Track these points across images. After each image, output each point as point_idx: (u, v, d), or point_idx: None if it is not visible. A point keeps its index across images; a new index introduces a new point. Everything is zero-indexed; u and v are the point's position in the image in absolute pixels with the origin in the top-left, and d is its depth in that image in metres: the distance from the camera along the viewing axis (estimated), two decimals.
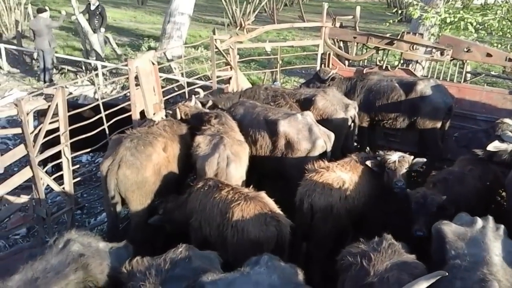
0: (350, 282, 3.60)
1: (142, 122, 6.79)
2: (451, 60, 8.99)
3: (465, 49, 8.53)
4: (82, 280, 3.76)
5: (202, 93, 7.69)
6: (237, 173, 5.56)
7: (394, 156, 5.38)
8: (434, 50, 8.75)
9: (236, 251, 4.46)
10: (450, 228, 3.90)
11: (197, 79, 10.55)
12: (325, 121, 6.81)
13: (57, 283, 3.60)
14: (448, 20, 10.22)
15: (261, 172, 6.44)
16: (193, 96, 7.21)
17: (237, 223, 4.50)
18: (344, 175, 5.30)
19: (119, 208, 5.66)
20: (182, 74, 10.85)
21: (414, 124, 7.63)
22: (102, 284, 3.88)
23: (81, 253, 3.85)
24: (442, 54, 8.65)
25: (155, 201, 5.73)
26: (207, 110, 6.81)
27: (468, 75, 10.20)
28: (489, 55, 8.41)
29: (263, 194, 4.83)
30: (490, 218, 4.02)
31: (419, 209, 4.91)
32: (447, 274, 3.24)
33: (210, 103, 7.59)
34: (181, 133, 6.22)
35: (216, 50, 8.66)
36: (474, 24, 10.16)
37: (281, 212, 4.71)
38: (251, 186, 5.14)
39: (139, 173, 5.41)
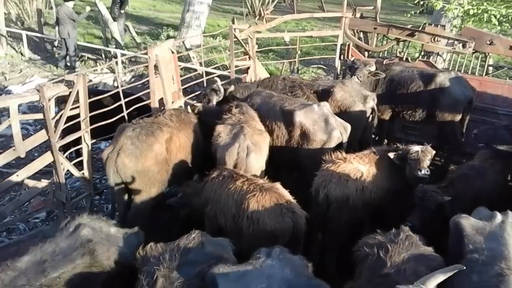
0: (367, 273, 3.59)
1: (161, 110, 6.85)
2: (473, 53, 8.83)
3: (488, 42, 8.35)
4: (89, 265, 3.82)
5: (219, 81, 7.72)
6: (256, 163, 5.55)
7: (417, 147, 5.37)
8: (456, 42, 8.59)
9: (251, 242, 4.45)
10: (468, 222, 3.86)
11: (215, 68, 10.57)
12: (343, 113, 6.76)
13: (64, 266, 3.67)
14: (471, 12, 10.02)
15: (277, 163, 6.42)
16: (206, 95, 7.26)
17: (252, 214, 4.50)
18: (361, 167, 5.27)
19: (126, 196, 5.72)
20: (200, 63, 10.84)
21: (433, 116, 7.53)
22: (109, 270, 3.91)
23: (89, 239, 3.90)
24: (464, 46, 8.50)
25: (161, 190, 5.75)
26: (222, 106, 6.85)
27: (490, 68, 10.02)
28: None
29: (278, 185, 4.82)
30: (510, 213, 3.95)
31: (417, 203, 4.98)
32: (464, 268, 3.21)
33: (232, 88, 7.70)
34: (189, 123, 6.21)
35: (235, 39, 8.65)
36: (498, 16, 9.96)
37: (296, 204, 4.71)
38: (266, 177, 5.15)
39: (138, 162, 5.41)
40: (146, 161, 5.46)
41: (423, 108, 7.58)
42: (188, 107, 6.65)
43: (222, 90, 7.48)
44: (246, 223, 4.55)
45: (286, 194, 4.74)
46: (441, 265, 3.50)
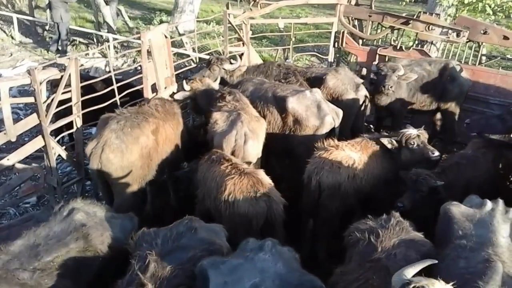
0: (357, 257, 3.62)
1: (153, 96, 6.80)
2: (466, 42, 8.84)
3: (482, 31, 8.35)
4: (82, 249, 3.82)
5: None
6: (254, 150, 5.54)
7: (412, 130, 5.41)
8: (450, 31, 8.59)
9: (228, 225, 4.44)
10: (458, 209, 3.90)
11: (208, 54, 10.47)
12: (335, 101, 6.77)
13: (57, 250, 3.67)
14: (465, 1, 10.03)
15: (269, 149, 6.38)
16: (219, 59, 7.26)
17: (229, 196, 4.54)
18: (353, 154, 5.28)
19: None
20: (193, 49, 10.76)
21: (441, 105, 7.55)
22: (102, 255, 3.92)
23: (83, 223, 3.91)
24: (458, 35, 8.49)
25: (141, 186, 5.57)
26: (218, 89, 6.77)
27: (483, 58, 10.03)
28: (506, 37, 8.23)
29: (260, 171, 4.83)
30: (501, 201, 3.99)
31: (410, 185, 5.00)
32: (436, 261, 3.19)
33: (245, 67, 7.72)
34: (173, 114, 6.04)
35: (229, 25, 8.58)
36: (492, 6, 9.96)
37: (275, 190, 4.71)
38: (251, 164, 5.15)
39: (124, 157, 5.16)
40: (132, 156, 5.22)
41: (436, 99, 7.59)
42: (184, 83, 6.57)
43: (239, 60, 7.45)
44: (224, 206, 4.59)
45: (265, 180, 4.74)
46: (430, 250, 3.55)
